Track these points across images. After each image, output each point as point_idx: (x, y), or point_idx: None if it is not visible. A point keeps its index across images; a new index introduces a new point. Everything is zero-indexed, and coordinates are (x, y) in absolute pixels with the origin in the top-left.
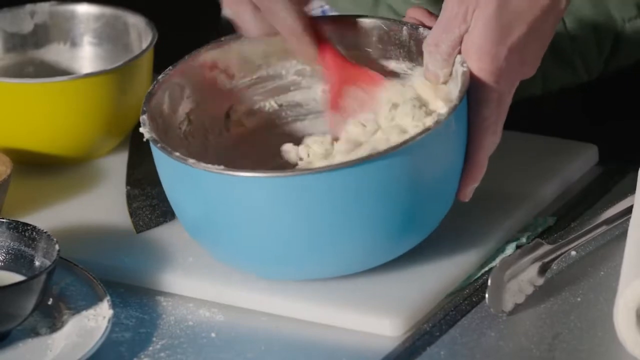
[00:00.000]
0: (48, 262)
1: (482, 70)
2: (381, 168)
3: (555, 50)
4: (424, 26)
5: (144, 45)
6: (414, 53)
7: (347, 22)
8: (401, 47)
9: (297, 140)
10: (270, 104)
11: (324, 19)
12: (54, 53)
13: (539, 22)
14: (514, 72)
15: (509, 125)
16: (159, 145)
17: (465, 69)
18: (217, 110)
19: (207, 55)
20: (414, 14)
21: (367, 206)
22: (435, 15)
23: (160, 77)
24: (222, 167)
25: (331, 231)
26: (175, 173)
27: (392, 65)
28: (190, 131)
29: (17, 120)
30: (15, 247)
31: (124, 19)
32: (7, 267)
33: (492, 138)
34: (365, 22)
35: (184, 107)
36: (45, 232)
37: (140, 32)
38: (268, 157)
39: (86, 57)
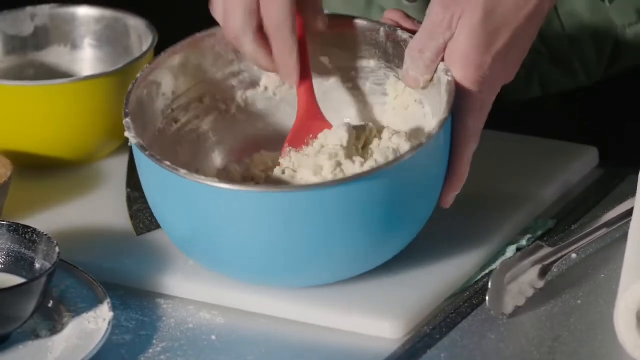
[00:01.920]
0: (48, 265)
1: (467, 79)
2: (373, 185)
3: (553, 54)
4: (402, 28)
5: (145, 48)
6: (390, 55)
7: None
8: (377, 47)
9: (273, 129)
10: (243, 94)
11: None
12: (54, 55)
13: (522, 29)
14: (497, 79)
15: (509, 128)
16: (147, 152)
17: (450, 79)
18: (190, 100)
19: (182, 51)
20: (391, 16)
21: (355, 221)
22: (412, 18)
23: (138, 75)
24: (215, 179)
25: (324, 243)
26: (162, 182)
27: (368, 64)
28: (163, 128)
29: (17, 123)
30: (16, 249)
31: (124, 22)
32: (7, 269)
33: (473, 146)
34: (341, 21)
35: (159, 103)
36: (46, 235)
37: (140, 35)
38: (244, 145)
39: (86, 60)
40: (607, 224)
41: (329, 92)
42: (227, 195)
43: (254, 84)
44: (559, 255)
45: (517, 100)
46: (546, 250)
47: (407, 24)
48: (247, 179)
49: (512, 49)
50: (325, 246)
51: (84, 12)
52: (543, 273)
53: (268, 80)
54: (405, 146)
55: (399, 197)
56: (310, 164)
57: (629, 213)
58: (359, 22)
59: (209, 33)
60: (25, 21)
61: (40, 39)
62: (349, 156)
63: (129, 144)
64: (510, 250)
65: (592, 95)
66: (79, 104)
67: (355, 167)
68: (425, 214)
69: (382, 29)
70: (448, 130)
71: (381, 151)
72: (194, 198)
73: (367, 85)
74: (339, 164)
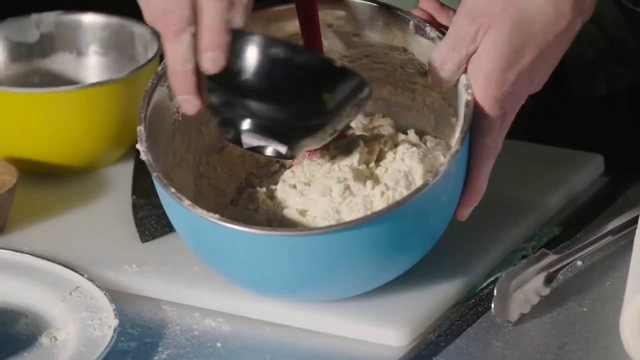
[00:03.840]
0: None
1: (487, 97)
2: (383, 226)
3: (618, 50)
4: (434, 22)
5: (150, 55)
6: (418, 47)
7: (352, 6)
8: (407, 37)
9: None
10: None
11: (330, 1)
12: (59, 62)
13: (551, 46)
14: (521, 94)
15: (515, 135)
16: (155, 174)
17: (469, 98)
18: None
19: None
20: (426, 6)
21: (360, 258)
22: (447, 8)
23: (158, 69)
24: (217, 216)
25: (328, 278)
26: (168, 203)
27: (396, 50)
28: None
29: (22, 130)
30: None
31: (129, 29)
32: None
33: (492, 161)
34: (372, 6)
35: None
36: None
37: (145, 42)
38: None
39: (92, 67)
40: (612, 232)
41: (361, 71)
42: (226, 233)
43: None
44: (565, 262)
45: (582, 98)
46: (551, 257)
47: (440, 16)
48: (272, 162)
49: (539, 66)
50: (329, 281)
51: (90, 19)
52: (548, 280)
53: None
54: (417, 169)
55: (407, 232)
56: (319, 185)
57: (635, 221)
58: (389, 11)
59: None
60: (30, 28)
61: (46, 46)
62: (359, 177)
63: (138, 147)
64: (516, 258)
65: (598, 102)
66: (85, 111)
67: (365, 190)
68: (436, 236)
69: (411, 22)
70: (462, 158)
71: (392, 174)
72: (196, 228)
73: (398, 70)
74: (347, 187)
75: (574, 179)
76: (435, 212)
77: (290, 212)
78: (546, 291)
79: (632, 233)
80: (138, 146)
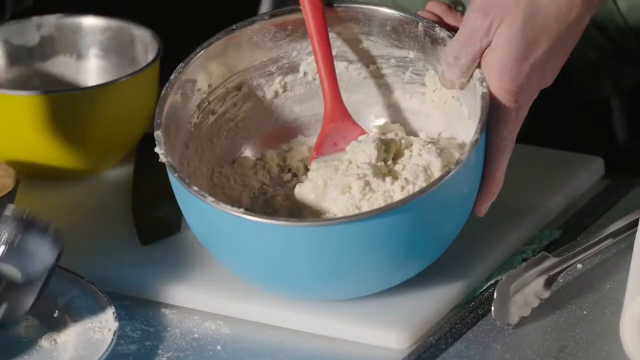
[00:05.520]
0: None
1: (502, 89)
2: (405, 215)
3: (620, 50)
4: (442, 24)
5: (150, 58)
6: (428, 49)
7: (361, 10)
8: (416, 40)
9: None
10: (282, 80)
11: (339, 4)
12: (60, 65)
13: (563, 37)
14: (534, 87)
15: (517, 137)
16: (176, 175)
17: (484, 90)
18: (228, 90)
19: (218, 45)
20: (433, 8)
21: (382, 250)
22: (454, 11)
23: (172, 77)
24: (241, 210)
25: (346, 272)
26: (189, 203)
27: (407, 54)
28: (199, 122)
29: (22, 133)
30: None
31: (129, 32)
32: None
33: (509, 154)
34: (380, 11)
35: (195, 99)
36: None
37: (146, 45)
38: (282, 131)
39: (92, 70)
40: (612, 235)
41: (369, 77)
42: (250, 226)
43: (293, 69)
44: (565, 265)
45: (587, 99)
46: (552, 260)
47: (449, 18)
48: (283, 169)
49: (552, 57)
50: (349, 275)
51: (90, 22)
52: (548, 283)
53: (307, 66)
54: (436, 163)
55: (428, 224)
56: (338, 182)
57: (635, 223)
58: (398, 14)
59: (245, 23)
60: (31, 31)
61: (46, 48)
62: (378, 173)
63: (157, 150)
64: (516, 261)
65: (598, 105)
66: (85, 113)
67: (385, 185)
68: (455, 232)
69: (420, 24)
70: (481, 146)
71: (411, 169)
72: (218, 224)
73: (406, 75)
74: (367, 184)
75: (574, 182)
76: (455, 204)
77: (309, 213)
78: (546, 294)
79: (632, 236)
80: (157, 150)
